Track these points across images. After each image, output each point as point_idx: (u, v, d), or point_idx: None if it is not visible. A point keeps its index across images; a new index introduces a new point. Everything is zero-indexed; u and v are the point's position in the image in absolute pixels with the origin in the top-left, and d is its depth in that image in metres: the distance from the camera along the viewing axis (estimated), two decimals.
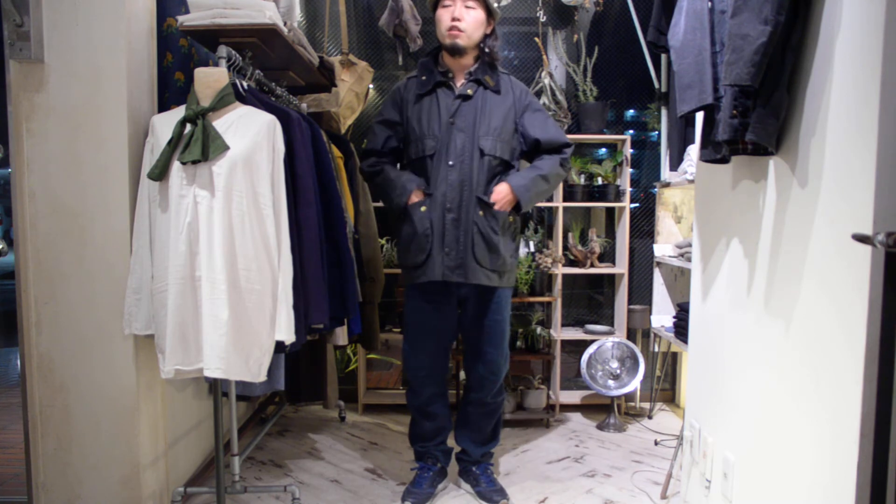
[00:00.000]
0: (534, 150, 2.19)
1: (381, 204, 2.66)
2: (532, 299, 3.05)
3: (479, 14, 2.11)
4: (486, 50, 2.16)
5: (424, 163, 2.13)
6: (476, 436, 2.31)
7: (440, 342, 2.22)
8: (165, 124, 1.76)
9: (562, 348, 3.23)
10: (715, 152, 1.67)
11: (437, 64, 2.18)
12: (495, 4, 2.15)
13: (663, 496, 2.27)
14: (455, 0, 2.09)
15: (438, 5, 2.14)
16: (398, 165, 2.29)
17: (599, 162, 3.27)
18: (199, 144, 1.65)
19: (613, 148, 3.27)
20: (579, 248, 3.17)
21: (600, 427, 3.02)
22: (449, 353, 2.29)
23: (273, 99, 2.12)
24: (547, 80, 3.13)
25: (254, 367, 1.75)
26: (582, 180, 3.22)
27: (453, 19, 2.08)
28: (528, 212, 3.30)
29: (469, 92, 2.13)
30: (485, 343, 2.21)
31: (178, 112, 1.75)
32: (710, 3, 1.57)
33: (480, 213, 2.07)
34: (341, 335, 2.46)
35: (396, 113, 2.20)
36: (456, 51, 2.11)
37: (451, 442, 2.36)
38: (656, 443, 2.83)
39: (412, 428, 2.35)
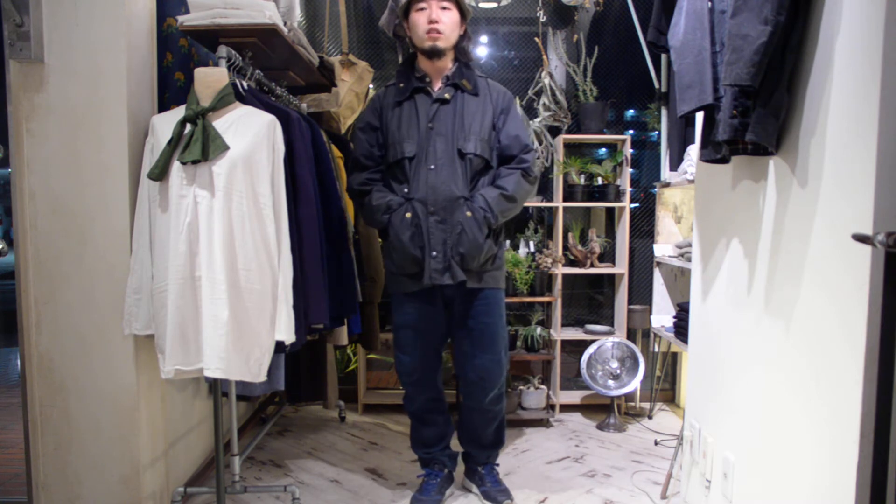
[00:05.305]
0: (500, 153, 2.16)
1: None
2: (532, 299, 3.05)
3: (454, 15, 2.09)
4: (462, 50, 2.15)
5: (403, 166, 2.10)
6: (478, 441, 2.28)
7: (428, 345, 2.18)
8: (165, 124, 1.76)
9: (562, 348, 3.23)
10: (715, 152, 1.67)
11: (413, 70, 2.16)
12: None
13: (663, 496, 2.27)
14: (430, 2, 2.06)
15: (411, 10, 2.10)
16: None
17: (599, 162, 3.27)
18: (198, 144, 1.65)
19: (613, 148, 3.27)
20: (579, 248, 3.17)
21: (600, 427, 3.02)
22: (439, 356, 2.25)
23: (273, 99, 2.12)
24: (547, 80, 3.13)
25: (254, 367, 1.75)
26: (582, 180, 3.22)
27: (431, 21, 2.05)
28: (528, 212, 3.32)
29: (447, 96, 2.10)
30: (473, 346, 2.16)
31: (178, 112, 1.75)
32: (710, 3, 1.57)
33: (468, 213, 2.03)
34: (341, 335, 2.46)
35: (376, 119, 2.17)
36: (435, 53, 2.08)
37: (455, 444, 2.35)
38: (656, 443, 2.83)
39: (413, 434, 2.32)
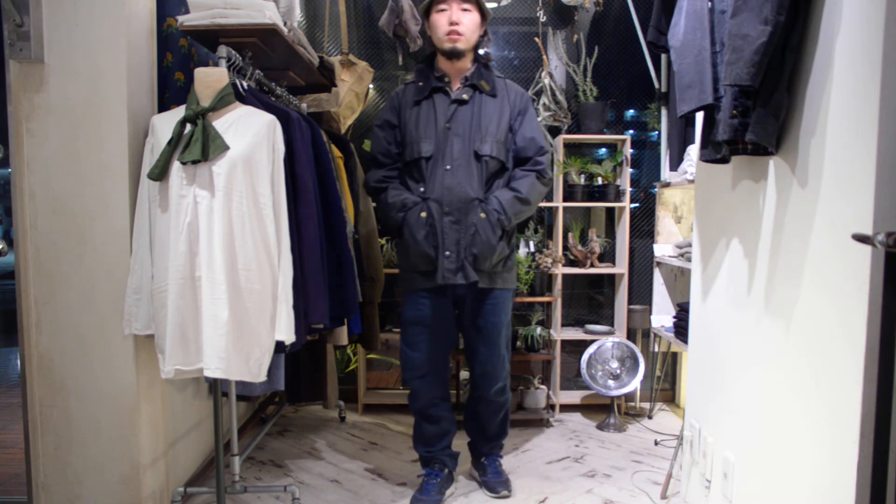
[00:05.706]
0: (515, 154, 2.20)
1: None
2: (532, 299, 3.05)
3: (475, 16, 2.12)
4: (482, 52, 2.17)
5: (419, 165, 2.13)
6: (483, 430, 2.34)
7: (437, 343, 2.22)
8: (165, 124, 1.76)
9: (562, 348, 3.23)
10: (715, 152, 1.67)
11: (432, 69, 2.18)
12: (494, 4, 2.15)
13: (663, 496, 2.27)
14: (450, 4, 2.08)
15: (432, 10, 2.13)
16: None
17: (599, 162, 3.27)
18: (198, 144, 1.65)
19: (613, 148, 3.27)
20: (579, 248, 3.17)
21: (600, 427, 3.02)
22: (448, 354, 2.29)
23: (273, 99, 2.12)
24: (547, 80, 3.13)
25: (254, 367, 1.75)
26: (582, 180, 3.22)
27: (451, 23, 2.07)
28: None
29: (465, 97, 2.12)
30: (479, 343, 2.22)
31: (178, 112, 1.75)
32: (710, 3, 1.57)
33: (482, 215, 2.06)
34: (341, 335, 2.46)
35: (395, 116, 2.20)
36: (455, 55, 2.11)
37: (456, 445, 2.37)
38: (656, 443, 2.83)
39: (416, 431, 2.33)
